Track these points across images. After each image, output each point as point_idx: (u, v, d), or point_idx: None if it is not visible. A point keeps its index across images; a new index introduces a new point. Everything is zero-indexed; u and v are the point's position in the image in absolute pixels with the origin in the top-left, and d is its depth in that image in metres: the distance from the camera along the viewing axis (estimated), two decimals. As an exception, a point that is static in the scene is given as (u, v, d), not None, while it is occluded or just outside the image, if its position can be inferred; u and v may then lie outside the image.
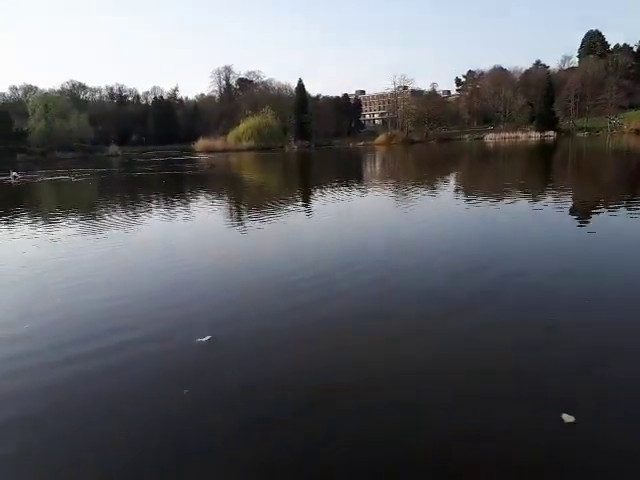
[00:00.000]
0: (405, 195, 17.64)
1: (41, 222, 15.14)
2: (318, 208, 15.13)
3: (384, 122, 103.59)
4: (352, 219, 13.03)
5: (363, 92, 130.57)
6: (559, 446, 3.37)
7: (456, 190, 19.21)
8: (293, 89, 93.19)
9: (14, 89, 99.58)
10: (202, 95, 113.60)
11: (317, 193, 19.61)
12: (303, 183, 27.04)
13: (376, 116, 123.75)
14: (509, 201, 14.71)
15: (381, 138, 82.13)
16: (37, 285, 7.80)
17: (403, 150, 61.57)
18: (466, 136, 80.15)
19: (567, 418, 3.60)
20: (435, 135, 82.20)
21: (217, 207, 17.15)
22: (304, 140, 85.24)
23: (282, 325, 5.76)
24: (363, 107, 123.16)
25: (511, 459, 3.27)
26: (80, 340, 5.49)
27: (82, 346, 5.29)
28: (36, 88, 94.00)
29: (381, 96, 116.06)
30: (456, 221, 12.05)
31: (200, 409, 4.05)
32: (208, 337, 5.28)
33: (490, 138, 73.85)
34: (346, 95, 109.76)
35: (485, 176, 25.54)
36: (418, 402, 4.01)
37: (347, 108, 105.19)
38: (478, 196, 16.30)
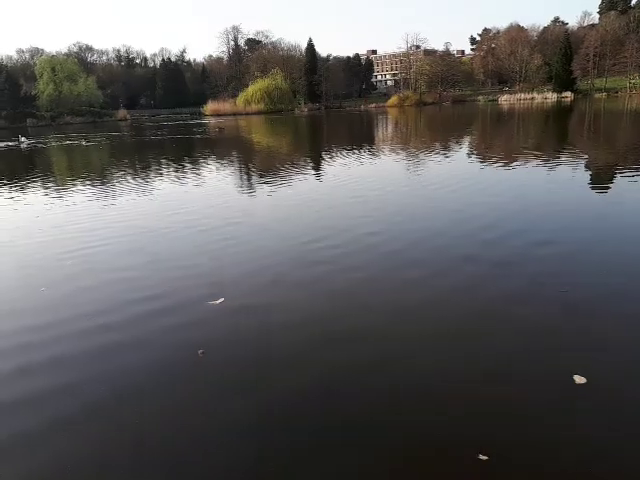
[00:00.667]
0: (417, 158, 17.38)
1: (54, 187, 15.16)
2: (328, 172, 14.96)
3: (396, 83, 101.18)
4: (363, 183, 12.85)
5: (375, 52, 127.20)
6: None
7: (469, 153, 18.88)
8: (303, 50, 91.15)
9: (21, 52, 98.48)
10: (210, 57, 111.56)
11: (327, 157, 19.37)
12: (313, 147, 26.70)
13: (388, 77, 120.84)
14: (522, 164, 14.41)
15: (393, 100, 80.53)
16: (51, 250, 7.83)
17: (415, 112, 60.39)
18: (480, 98, 78.26)
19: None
20: (448, 97, 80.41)
21: (227, 172, 17.02)
22: (314, 102, 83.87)
23: (295, 286, 5.76)
24: (375, 68, 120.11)
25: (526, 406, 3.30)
26: (96, 302, 5.50)
27: (98, 309, 5.33)
28: (42, 50, 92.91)
29: (393, 56, 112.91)
30: (469, 184, 11.81)
31: (214, 369, 4.07)
32: (221, 299, 5.31)
33: (505, 100, 72.03)
34: (357, 55, 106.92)
35: (499, 139, 25.02)
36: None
37: (358, 69, 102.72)
38: (492, 159, 16.00)
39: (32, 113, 70.86)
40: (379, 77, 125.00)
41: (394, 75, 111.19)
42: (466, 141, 24.42)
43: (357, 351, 4.26)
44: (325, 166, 16.75)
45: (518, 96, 71.77)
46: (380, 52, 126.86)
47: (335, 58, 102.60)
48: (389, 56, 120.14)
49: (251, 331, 4.70)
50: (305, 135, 37.84)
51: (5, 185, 16.20)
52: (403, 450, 3.08)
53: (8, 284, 6.45)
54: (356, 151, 20.49)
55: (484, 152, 18.85)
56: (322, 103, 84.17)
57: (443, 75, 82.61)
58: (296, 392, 3.71)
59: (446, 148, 20.58)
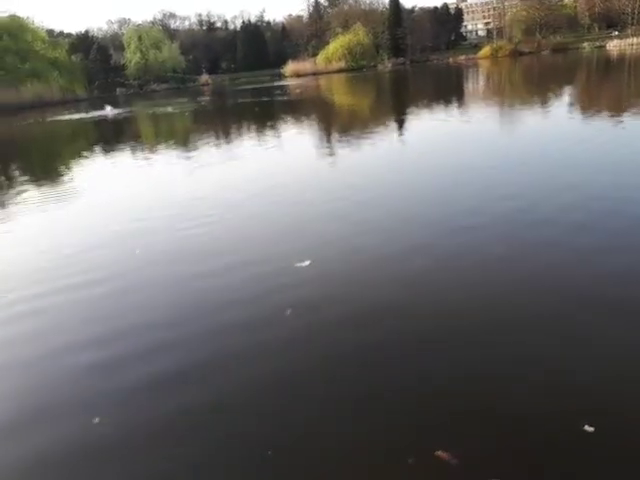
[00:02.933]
0: (511, 116, 14.95)
1: (141, 154, 14.96)
2: (413, 133, 13.17)
3: (489, 33, 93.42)
4: (450, 144, 11.04)
5: (465, 0, 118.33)
6: None
7: (570, 110, 15.91)
8: (386, 2, 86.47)
9: (110, 23, 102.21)
10: (290, 15, 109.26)
11: (411, 116, 17.35)
12: (396, 105, 24.48)
13: (479, 27, 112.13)
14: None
15: (485, 51, 74.24)
16: (142, 212, 7.92)
17: (510, 63, 55.09)
18: (585, 44, 69.78)
19: None
20: (548, 44, 72.59)
21: (306, 135, 15.82)
22: (398, 57, 79.73)
23: (385, 251, 5.31)
24: (465, 17, 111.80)
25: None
26: (185, 262, 5.53)
27: (189, 268, 5.35)
28: (130, 20, 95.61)
29: (485, 4, 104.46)
30: (568, 147, 9.66)
31: (305, 328, 3.92)
32: (308, 262, 5.09)
33: (614, 45, 63.47)
34: (445, 5, 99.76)
35: (606, 91, 21.29)
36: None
37: (446, 19, 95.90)
38: (597, 116, 13.29)
39: (121, 82, 73.45)
40: (469, 27, 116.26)
41: (486, 24, 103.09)
42: (573, 93, 21.04)
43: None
44: (408, 127, 14.84)
45: (630, 41, 62.82)
46: (470, 0, 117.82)
47: (421, 9, 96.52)
48: (481, 4, 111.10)
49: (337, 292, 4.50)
50: (388, 92, 35.42)
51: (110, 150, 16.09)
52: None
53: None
54: (441, 108, 18.22)
55: (587, 108, 15.87)
56: (407, 57, 79.81)
57: (542, 21, 74.73)
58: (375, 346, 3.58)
59: (546, 102, 17.65)
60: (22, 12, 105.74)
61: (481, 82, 35.11)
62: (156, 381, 3.40)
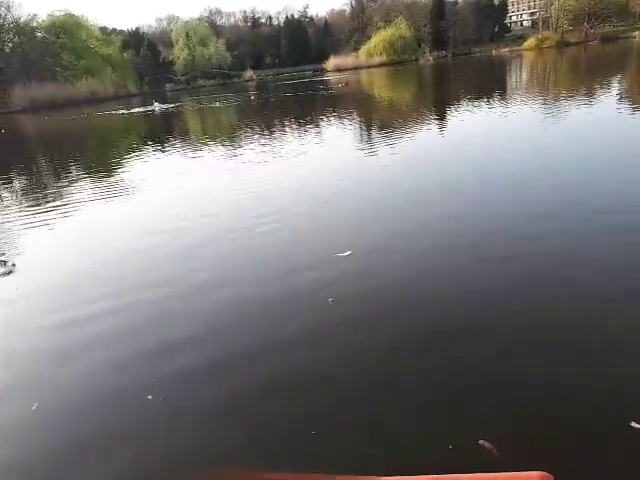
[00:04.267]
0: (558, 110, 15.39)
1: (189, 147, 15.99)
2: (454, 128, 13.83)
3: (534, 23, 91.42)
4: (493, 140, 11.64)
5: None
6: None
7: (619, 105, 16.27)
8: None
9: (159, 20, 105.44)
10: (332, 10, 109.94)
11: (453, 110, 18.00)
12: (437, 99, 25.06)
13: (524, 17, 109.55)
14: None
15: (530, 42, 73.02)
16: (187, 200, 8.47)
17: (556, 54, 54.13)
18: (636, 33, 67.66)
19: None
20: (596, 34, 70.73)
21: (347, 129, 16.60)
22: (440, 50, 79.18)
23: (427, 244, 5.41)
24: (509, 8, 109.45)
25: None
26: (240, 260, 5.62)
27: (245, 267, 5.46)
28: (178, 17, 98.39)
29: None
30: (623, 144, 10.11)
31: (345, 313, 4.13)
32: (348, 252, 5.29)
33: (669, 34, 61.57)
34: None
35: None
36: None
37: (490, 10, 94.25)
38: None
39: (170, 78, 76.13)
40: (514, 18, 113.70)
41: (532, 15, 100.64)
42: (620, 85, 21.19)
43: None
44: (449, 122, 15.55)
45: (686, 28, 60.87)
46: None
47: (464, 1, 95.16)
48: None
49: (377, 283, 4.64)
50: (429, 86, 35.80)
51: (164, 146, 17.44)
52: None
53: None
54: (483, 102, 18.80)
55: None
56: (449, 50, 79.15)
57: (591, 10, 72.63)
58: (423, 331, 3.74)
59: (590, 98, 17.97)
60: (77, 10, 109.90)
61: (524, 75, 35.08)
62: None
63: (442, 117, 16.58)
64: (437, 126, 14.42)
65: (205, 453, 2.80)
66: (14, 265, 6.18)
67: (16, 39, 66.43)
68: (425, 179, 8.40)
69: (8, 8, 64.73)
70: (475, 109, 17.06)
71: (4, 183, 13.23)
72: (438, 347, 3.50)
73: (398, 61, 73.57)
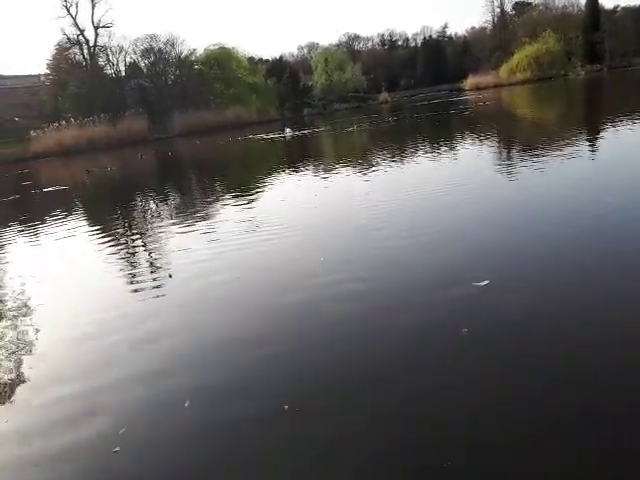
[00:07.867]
0: None
1: (321, 170, 16.61)
2: (609, 152, 12.17)
3: None
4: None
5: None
6: None
7: None
8: (582, 4, 79.35)
9: (300, 48, 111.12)
10: (473, 28, 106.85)
11: (608, 130, 15.96)
12: (590, 118, 22.62)
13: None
14: None
15: None
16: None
17: None
18: None
19: None
20: None
21: (486, 150, 15.64)
22: (594, 64, 72.51)
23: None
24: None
25: None
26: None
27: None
28: (317, 44, 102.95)
29: None
30: None
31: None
32: (486, 282, 5.00)
33: None
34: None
35: None
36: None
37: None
38: None
39: (308, 103, 79.50)
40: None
41: None
42: None
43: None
44: (602, 144, 13.77)
45: None
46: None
47: (624, 9, 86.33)
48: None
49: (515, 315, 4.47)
50: (580, 103, 32.68)
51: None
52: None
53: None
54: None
55: None
56: (604, 63, 72.18)
57: None
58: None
59: None
60: (229, 42, 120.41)
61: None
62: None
63: (592, 140, 14.79)
64: (587, 150, 12.84)
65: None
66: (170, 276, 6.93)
67: (177, 72, 74.46)
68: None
69: (172, 45, 72.90)
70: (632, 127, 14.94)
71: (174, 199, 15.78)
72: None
73: (542, 77, 68.72)
